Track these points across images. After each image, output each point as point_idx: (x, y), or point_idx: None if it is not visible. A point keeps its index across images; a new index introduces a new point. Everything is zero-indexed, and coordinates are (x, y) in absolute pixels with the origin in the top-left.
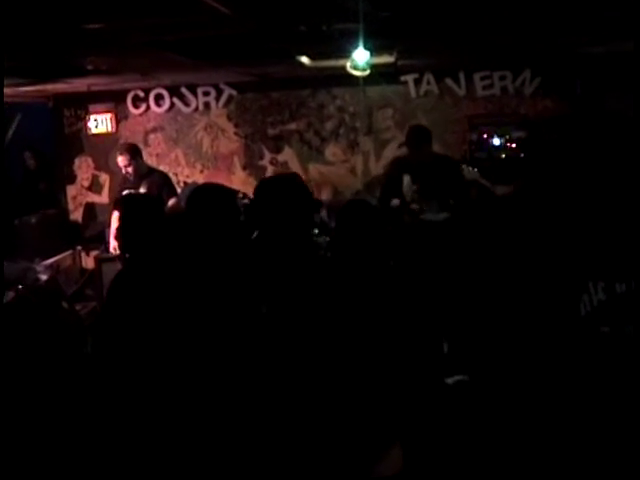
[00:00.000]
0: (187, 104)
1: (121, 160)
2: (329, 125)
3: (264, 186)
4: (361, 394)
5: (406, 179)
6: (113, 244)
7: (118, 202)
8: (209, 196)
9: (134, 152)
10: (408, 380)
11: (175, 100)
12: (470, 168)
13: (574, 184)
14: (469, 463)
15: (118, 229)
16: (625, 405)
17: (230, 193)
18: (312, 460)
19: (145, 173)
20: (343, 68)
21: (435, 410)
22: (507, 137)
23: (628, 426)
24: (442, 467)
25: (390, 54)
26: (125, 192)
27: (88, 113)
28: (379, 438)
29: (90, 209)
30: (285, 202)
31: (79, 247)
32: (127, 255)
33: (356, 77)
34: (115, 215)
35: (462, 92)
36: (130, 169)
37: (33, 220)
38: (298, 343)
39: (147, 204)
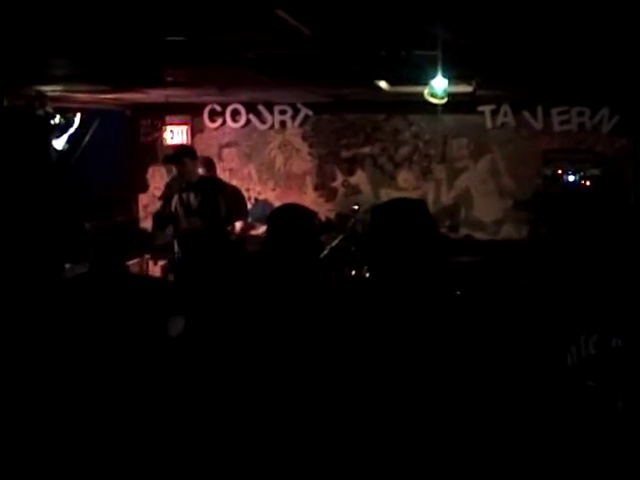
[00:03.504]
0: (263, 121)
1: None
2: (403, 151)
3: (386, 211)
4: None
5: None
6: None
7: None
8: (290, 216)
9: (210, 165)
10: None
11: (251, 116)
12: None
13: (590, 235)
14: None
15: None
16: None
17: (309, 214)
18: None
19: None
20: (420, 95)
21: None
22: (582, 174)
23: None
24: None
25: (468, 83)
26: None
27: (164, 124)
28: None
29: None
30: (409, 232)
31: (147, 256)
32: None
33: (432, 104)
34: None
35: (539, 126)
36: None
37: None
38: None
39: None
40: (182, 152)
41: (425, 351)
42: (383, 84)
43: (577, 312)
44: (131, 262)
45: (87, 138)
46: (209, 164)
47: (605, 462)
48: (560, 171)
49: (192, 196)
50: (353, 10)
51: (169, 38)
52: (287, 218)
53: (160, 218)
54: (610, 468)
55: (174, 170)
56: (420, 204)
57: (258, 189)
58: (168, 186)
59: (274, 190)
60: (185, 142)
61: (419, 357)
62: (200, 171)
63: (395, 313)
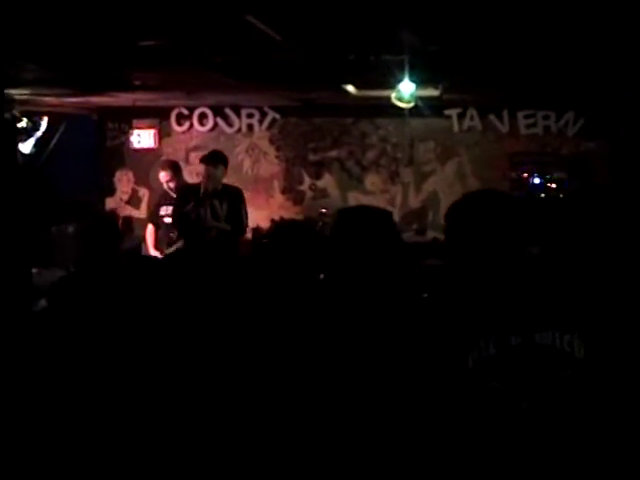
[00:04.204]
0: (230, 125)
1: (163, 175)
2: (370, 154)
3: (350, 216)
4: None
5: None
6: (154, 254)
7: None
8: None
9: (176, 168)
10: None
11: (219, 120)
12: None
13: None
14: None
15: None
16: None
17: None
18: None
19: None
20: (388, 99)
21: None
22: (547, 177)
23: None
24: None
25: (435, 88)
26: (163, 208)
27: (132, 128)
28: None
29: (127, 223)
30: (374, 240)
31: None
32: None
33: (400, 108)
34: (150, 229)
35: (505, 129)
36: (172, 184)
37: (70, 229)
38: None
39: None
40: (219, 157)
41: (381, 355)
42: (350, 88)
43: (472, 318)
44: None
45: (53, 142)
46: (175, 168)
47: (513, 461)
48: (526, 174)
49: (217, 203)
50: (322, 15)
51: (138, 42)
52: (293, 235)
53: (187, 221)
54: (518, 466)
55: (206, 171)
56: (385, 214)
57: None
58: (191, 190)
59: None
60: (152, 146)
61: (376, 361)
62: (165, 175)
63: (351, 317)
